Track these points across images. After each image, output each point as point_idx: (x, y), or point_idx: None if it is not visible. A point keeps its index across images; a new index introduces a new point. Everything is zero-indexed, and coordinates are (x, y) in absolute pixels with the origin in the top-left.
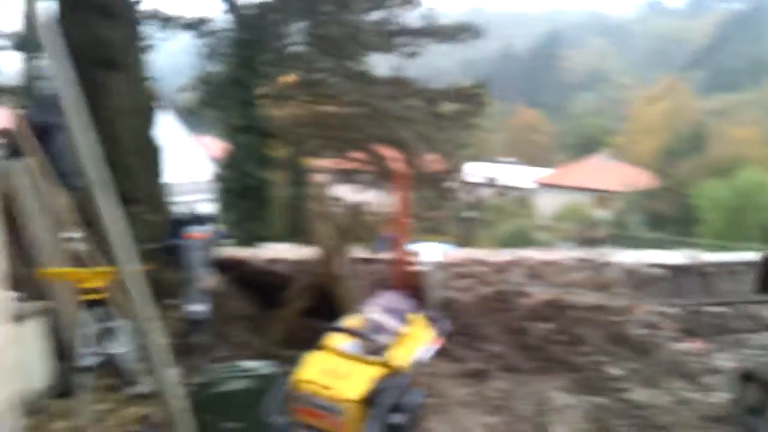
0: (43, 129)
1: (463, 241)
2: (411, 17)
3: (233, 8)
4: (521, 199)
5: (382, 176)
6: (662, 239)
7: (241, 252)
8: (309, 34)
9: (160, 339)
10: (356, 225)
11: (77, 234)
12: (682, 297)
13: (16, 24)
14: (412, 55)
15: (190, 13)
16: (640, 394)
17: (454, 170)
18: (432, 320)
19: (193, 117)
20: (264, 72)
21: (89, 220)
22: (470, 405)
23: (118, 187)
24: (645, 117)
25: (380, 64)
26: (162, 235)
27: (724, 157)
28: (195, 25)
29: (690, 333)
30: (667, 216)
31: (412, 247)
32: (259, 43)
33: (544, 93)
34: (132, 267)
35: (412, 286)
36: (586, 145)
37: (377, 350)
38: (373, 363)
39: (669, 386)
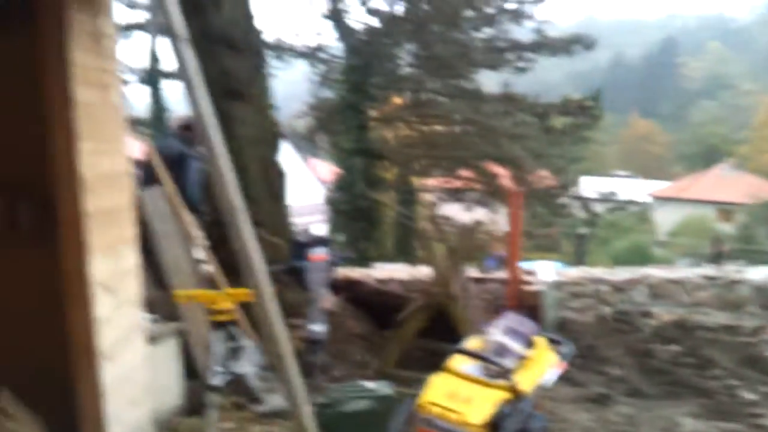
0: (173, 158)
1: (578, 259)
2: (521, 32)
3: (344, 35)
4: (638, 214)
5: (492, 194)
6: None
7: (354, 272)
8: (418, 55)
9: (290, 359)
10: (468, 244)
11: (206, 257)
12: None
13: (143, 59)
14: (523, 70)
15: (305, 42)
16: None
17: (566, 185)
18: (555, 343)
19: (305, 141)
20: (374, 95)
21: (217, 244)
22: (593, 431)
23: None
24: None
25: (489, 80)
26: (285, 257)
27: None
28: (309, 54)
29: None
30: None
31: (525, 265)
32: (369, 67)
33: (660, 102)
34: (264, 288)
35: (527, 306)
36: (706, 156)
37: (501, 374)
38: (496, 387)
39: None
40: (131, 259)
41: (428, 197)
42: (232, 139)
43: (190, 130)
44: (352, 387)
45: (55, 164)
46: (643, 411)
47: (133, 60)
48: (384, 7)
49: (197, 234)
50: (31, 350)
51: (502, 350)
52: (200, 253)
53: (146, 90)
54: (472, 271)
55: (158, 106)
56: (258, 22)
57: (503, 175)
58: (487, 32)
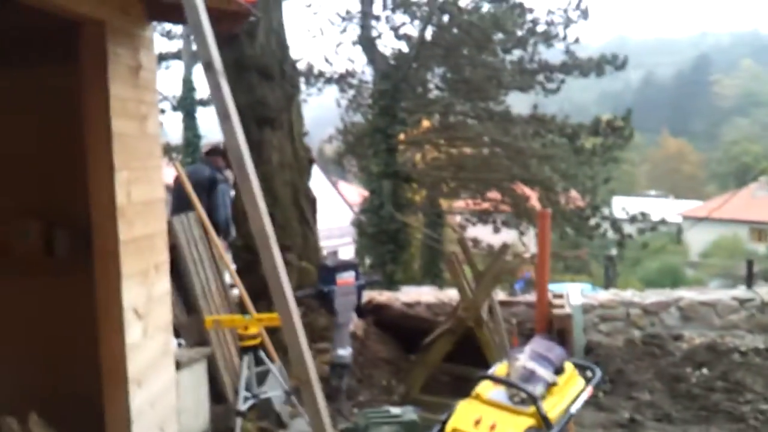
0: (202, 183)
1: (608, 281)
2: (552, 53)
3: (375, 61)
4: (669, 235)
5: (521, 215)
6: None
7: (381, 295)
8: (447, 78)
9: (316, 384)
10: (496, 267)
11: (235, 281)
12: None
13: (178, 87)
14: (553, 91)
15: (335, 68)
16: None
17: (596, 206)
18: (582, 368)
19: (334, 165)
20: (403, 119)
21: (246, 268)
22: None
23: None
24: None
25: (519, 101)
26: (314, 281)
27: None
28: (339, 79)
29: None
30: None
31: (554, 288)
32: (398, 91)
33: (692, 121)
34: (291, 313)
35: (556, 330)
36: (739, 174)
37: (528, 400)
38: (523, 413)
39: None
40: (162, 285)
41: (456, 219)
42: (264, 164)
43: (219, 155)
44: (377, 412)
45: (92, 193)
46: None
47: (169, 88)
48: (414, 32)
49: (226, 259)
50: (63, 375)
51: (529, 376)
52: (229, 277)
53: (180, 117)
54: (501, 294)
55: (192, 132)
56: (292, 51)
57: (532, 196)
58: (516, 54)
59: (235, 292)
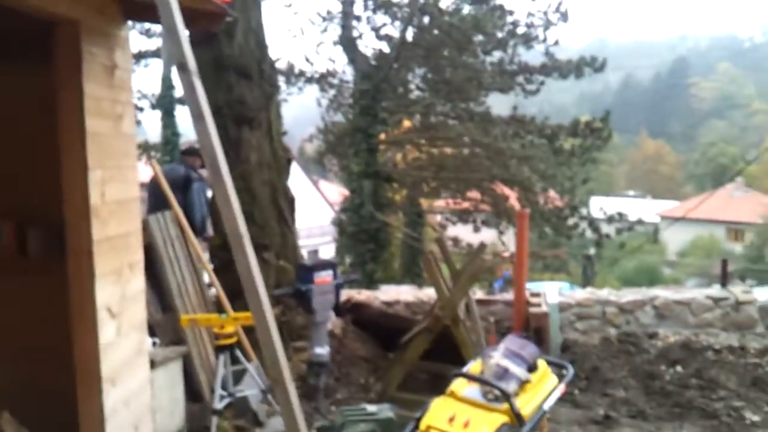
0: (178, 182)
1: (585, 280)
2: (532, 54)
3: (355, 61)
4: (646, 234)
5: (500, 215)
6: None
7: (360, 294)
8: (428, 79)
9: (290, 383)
10: (475, 266)
11: (212, 280)
12: None
13: (157, 85)
14: (533, 92)
15: (316, 68)
16: None
17: (574, 206)
18: (556, 366)
19: (315, 164)
20: (384, 119)
21: (223, 267)
22: None
23: (253, 236)
24: None
25: (500, 103)
26: (292, 280)
27: None
28: (320, 79)
29: None
30: None
31: (532, 287)
32: (379, 91)
33: (670, 122)
34: (265, 312)
35: (533, 328)
36: (715, 175)
37: (501, 397)
38: (496, 410)
39: None
40: (137, 283)
41: (436, 219)
42: (243, 164)
43: (195, 155)
44: (354, 410)
45: (66, 193)
46: None
47: (147, 86)
48: (394, 33)
49: (203, 258)
50: (36, 374)
51: (503, 374)
52: (206, 276)
53: (159, 115)
54: (479, 293)
55: (171, 130)
56: (271, 50)
57: (511, 196)
58: (497, 56)
59: (213, 291)
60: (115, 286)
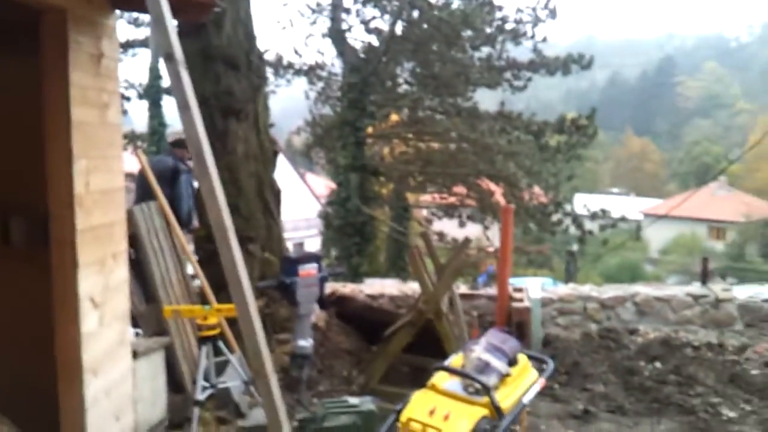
0: (165, 173)
1: (568, 276)
2: (520, 51)
3: (344, 54)
4: (629, 231)
5: (486, 210)
6: None
7: (344, 287)
8: (416, 73)
9: (272, 375)
10: (459, 260)
11: (196, 272)
12: None
13: (144, 75)
14: (520, 88)
15: (305, 60)
16: None
17: (559, 202)
18: (537, 360)
19: (302, 157)
20: (372, 112)
21: (208, 259)
22: None
23: (238, 228)
24: (766, 144)
25: (487, 98)
26: (277, 272)
27: None
28: (308, 71)
29: None
30: None
31: (516, 282)
32: (367, 84)
33: (655, 121)
34: (248, 304)
35: (515, 323)
36: (699, 174)
37: (481, 390)
38: (476, 403)
39: None
40: (120, 273)
41: (422, 213)
42: (229, 155)
43: (183, 146)
44: (336, 402)
45: (50, 182)
46: (624, 428)
47: (135, 75)
48: (384, 27)
49: (187, 249)
50: (18, 363)
51: (484, 367)
52: (190, 268)
53: (146, 105)
54: (463, 287)
55: (158, 120)
56: (260, 41)
57: (497, 191)
58: (485, 51)
59: (197, 282)
60: (99, 276)
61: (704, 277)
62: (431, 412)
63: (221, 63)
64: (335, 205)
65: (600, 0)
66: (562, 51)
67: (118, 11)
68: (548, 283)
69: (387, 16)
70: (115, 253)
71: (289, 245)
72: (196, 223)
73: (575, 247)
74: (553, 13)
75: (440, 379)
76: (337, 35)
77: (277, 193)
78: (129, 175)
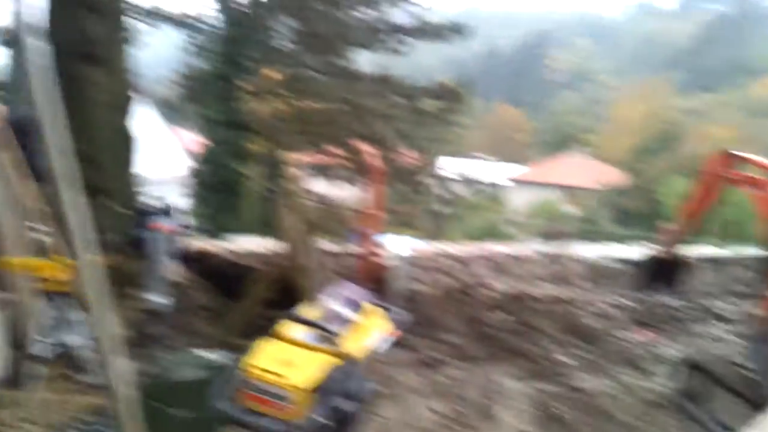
0: (22, 124)
1: (434, 235)
2: (400, 15)
3: (223, 5)
4: (493, 195)
5: (359, 171)
6: (629, 235)
7: (210, 244)
8: (296, 30)
9: (112, 330)
10: (326, 218)
11: (44, 226)
12: (641, 290)
13: (4, 20)
14: (399, 52)
15: (180, 9)
16: (586, 381)
17: (429, 166)
18: (390, 311)
19: (172, 110)
20: (248, 68)
21: (58, 213)
22: (421, 392)
23: (89, 178)
24: (624, 116)
25: (365, 60)
26: (129, 226)
27: (696, 156)
28: (182, 21)
29: (642, 323)
30: (636, 213)
31: (381, 240)
32: (245, 39)
33: (527, 92)
34: (90, 258)
35: (377, 279)
36: (563, 143)
37: (330, 339)
38: (325, 351)
39: (616, 374)
40: None
41: (295, 172)
42: (85, 103)
43: None
44: (182, 356)
45: None
46: (470, 374)
47: None
48: None
49: (37, 202)
50: None
51: (334, 317)
52: (41, 222)
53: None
54: (329, 245)
55: (20, 69)
56: None
57: (371, 153)
58: (367, 13)
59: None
60: None
61: (557, 238)
62: (280, 361)
63: (83, 7)
64: (206, 161)
65: None
66: (446, 20)
67: None
68: (411, 242)
69: None
70: None
71: (151, 200)
72: None
73: (441, 209)
74: None
75: (291, 328)
76: None
77: (130, 142)
78: None
